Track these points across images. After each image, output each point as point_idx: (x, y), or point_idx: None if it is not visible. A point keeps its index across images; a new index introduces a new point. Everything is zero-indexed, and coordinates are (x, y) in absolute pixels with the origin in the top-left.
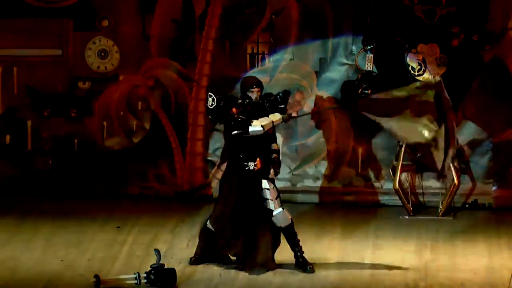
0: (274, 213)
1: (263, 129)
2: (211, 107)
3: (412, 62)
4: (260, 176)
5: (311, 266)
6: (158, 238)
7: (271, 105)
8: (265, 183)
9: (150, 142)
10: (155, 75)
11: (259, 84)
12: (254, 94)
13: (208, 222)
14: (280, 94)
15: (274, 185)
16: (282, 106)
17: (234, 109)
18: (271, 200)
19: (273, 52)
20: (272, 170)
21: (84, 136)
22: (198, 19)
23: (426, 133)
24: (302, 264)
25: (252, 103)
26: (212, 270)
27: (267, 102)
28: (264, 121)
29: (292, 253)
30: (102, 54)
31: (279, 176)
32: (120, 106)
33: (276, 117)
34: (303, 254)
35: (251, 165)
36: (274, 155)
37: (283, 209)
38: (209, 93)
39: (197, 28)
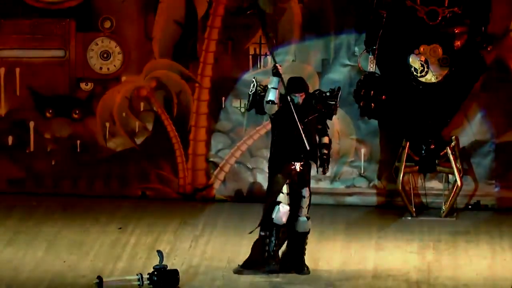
0: (301, 219)
1: (267, 100)
2: (251, 93)
3: (414, 63)
4: (303, 176)
5: (306, 268)
6: (161, 239)
7: (319, 102)
8: (305, 191)
9: (152, 143)
10: (158, 76)
11: (303, 89)
12: (297, 99)
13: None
14: (329, 90)
15: (310, 193)
16: (332, 102)
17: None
18: (302, 207)
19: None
20: (320, 169)
21: (86, 137)
22: (200, 20)
23: None
24: (300, 267)
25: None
26: (215, 271)
27: (314, 100)
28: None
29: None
30: (105, 55)
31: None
32: (123, 107)
33: (270, 82)
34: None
35: (297, 166)
36: (324, 150)
37: (308, 218)
38: (253, 78)
39: (199, 29)
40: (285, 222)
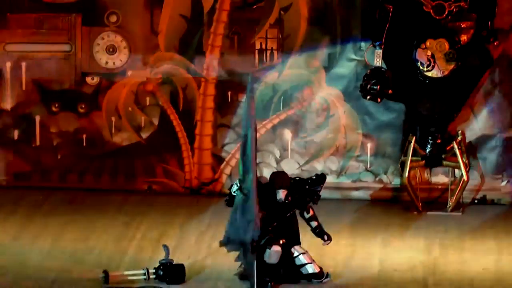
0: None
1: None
2: (233, 193)
3: (421, 57)
4: (292, 244)
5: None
6: (167, 233)
7: (302, 192)
8: (297, 249)
9: (158, 137)
10: (163, 71)
11: (286, 185)
12: (280, 195)
13: None
14: (314, 176)
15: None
16: (317, 189)
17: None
18: (310, 263)
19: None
20: (325, 242)
21: (92, 132)
22: (206, 14)
23: None
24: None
25: (279, 204)
26: (221, 266)
27: (296, 192)
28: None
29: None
30: (111, 49)
31: (288, 172)
32: (128, 101)
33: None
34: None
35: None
36: (315, 223)
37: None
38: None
39: (206, 24)
40: (277, 261)
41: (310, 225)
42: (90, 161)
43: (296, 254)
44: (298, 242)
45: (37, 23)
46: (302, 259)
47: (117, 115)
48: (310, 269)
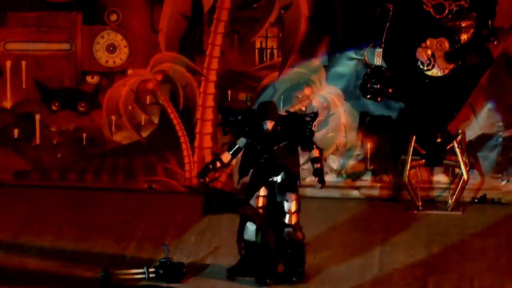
0: (285, 230)
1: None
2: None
3: (421, 56)
4: (285, 188)
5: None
6: (167, 232)
7: (293, 126)
8: (288, 195)
9: (159, 136)
10: (164, 70)
11: (272, 116)
12: (267, 125)
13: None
14: (310, 113)
15: (298, 198)
16: (309, 126)
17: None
18: (288, 213)
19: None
20: (318, 184)
21: (92, 130)
22: (206, 13)
23: None
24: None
25: (267, 134)
26: (221, 265)
27: (288, 125)
28: None
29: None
30: (111, 48)
31: None
32: (129, 100)
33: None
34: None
35: (277, 179)
36: (317, 165)
37: (297, 229)
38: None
39: (206, 22)
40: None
41: (312, 166)
42: (90, 159)
43: (286, 198)
44: (294, 188)
45: (37, 21)
46: (286, 206)
47: (117, 114)
48: (286, 218)
